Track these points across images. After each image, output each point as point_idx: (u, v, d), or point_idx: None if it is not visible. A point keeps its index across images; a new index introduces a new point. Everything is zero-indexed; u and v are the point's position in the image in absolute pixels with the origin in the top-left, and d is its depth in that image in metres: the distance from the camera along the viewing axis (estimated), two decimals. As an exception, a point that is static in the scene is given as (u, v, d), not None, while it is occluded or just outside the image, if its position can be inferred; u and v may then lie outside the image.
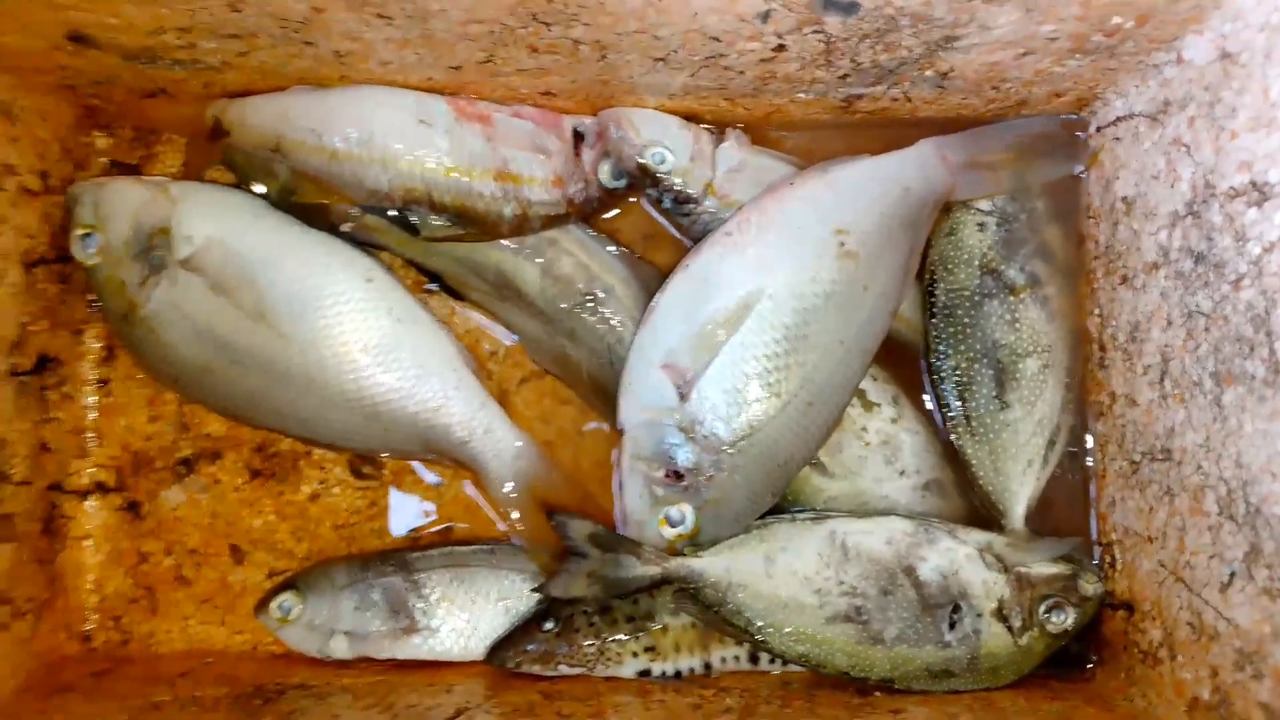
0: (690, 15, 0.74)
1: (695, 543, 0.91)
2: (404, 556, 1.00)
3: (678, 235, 1.01)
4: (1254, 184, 0.70)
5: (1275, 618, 0.68)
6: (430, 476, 1.04)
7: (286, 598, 0.99)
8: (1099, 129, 0.92)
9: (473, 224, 0.94)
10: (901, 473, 0.96)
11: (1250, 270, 0.70)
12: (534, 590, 0.94)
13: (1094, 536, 0.95)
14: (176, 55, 0.85)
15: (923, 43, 0.78)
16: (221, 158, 0.97)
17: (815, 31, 0.76)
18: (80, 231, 0.96)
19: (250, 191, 0.97)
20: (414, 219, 0.94)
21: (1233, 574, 0.73)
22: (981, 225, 0.95)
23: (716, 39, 0.78)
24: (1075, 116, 0.94)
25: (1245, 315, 0.71)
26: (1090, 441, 0.95)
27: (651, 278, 0.98)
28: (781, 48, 0.79)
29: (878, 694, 0.89)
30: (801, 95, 0.91)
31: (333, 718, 0.86)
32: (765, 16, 0.73)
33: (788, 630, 0.90)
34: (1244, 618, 0.72)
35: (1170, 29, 0.76)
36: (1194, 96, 0.77)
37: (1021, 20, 0.74)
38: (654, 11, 0.73)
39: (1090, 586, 0.91)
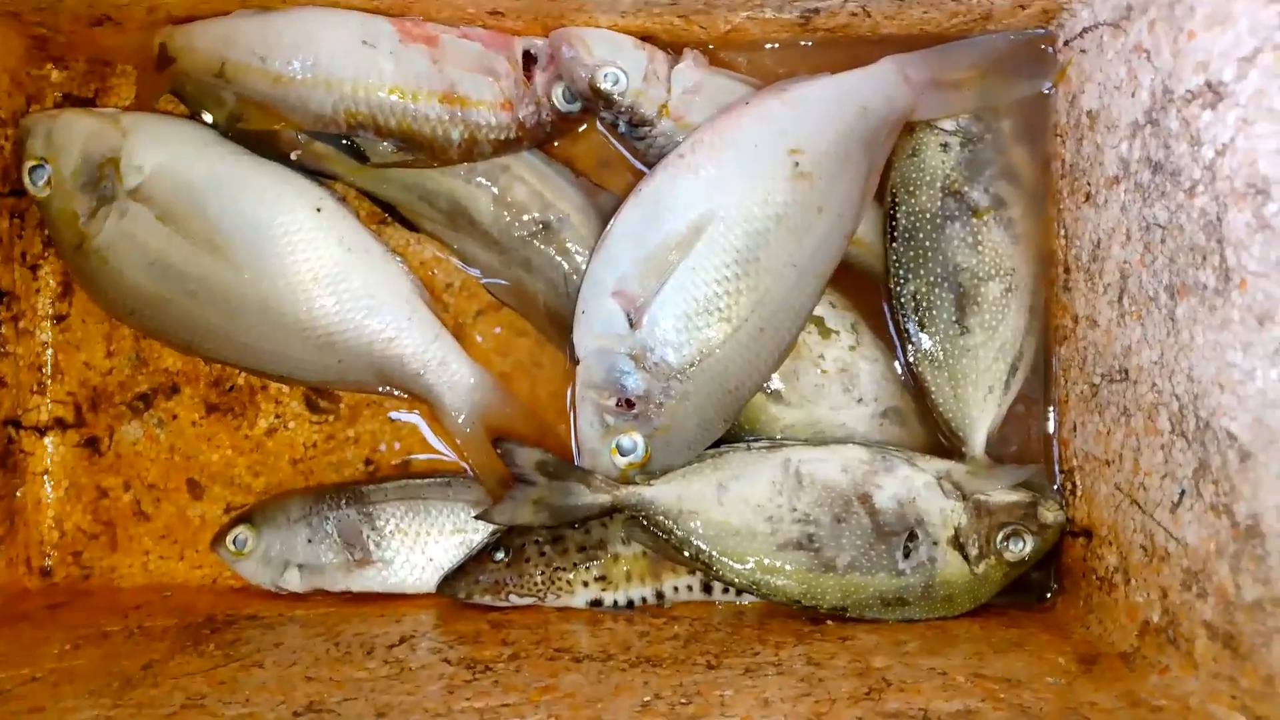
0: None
1: (647, 471, 0.90)
2: (359, 489, 0.99)
3: (634, 161, 0.99)
4: (1209, 84, 0.67)
5: (1220, 534, 0.66)
6: (389, 412, 1.03)
7: (241, 531, 0.98)
8: (1066, 42, 0.89)
9: (420, 148, 0.92)
10: (859, 400, 0.94)
11: (1204, 176, 0.68)
12: (477, 516, 0.93)
13: (1056, 465, 0.92)
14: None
15: (871, -54, 0.75)
16: (171, 87, 0.96)
17: (760, -64, 0.73)
18: (31, 163, 0.95)
19: (200, 121, 0.96)
20: (362, 145, 0.92)
21: (1182, 492, 0.71)
22: (945, 145, 0.92)
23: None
24: (1043, 31, 0.91)
25: (1198, 223, 0.68)
26: (1053, 368, 0.93)
27: (608, 205, 0.96)
28: (725, -46, 0.76)
29: (829, 623, 0.88)
30: (758, 12, 0.88)
31: (276, 645, 0.85)
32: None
33: (738, 557, 0.88)
34: (1192, 536, 0.70)
35: (1127, -73, 0.73)
36: (1154, -1, 0.74)
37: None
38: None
39: (1050, 514, 0.89)
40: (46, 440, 1.04)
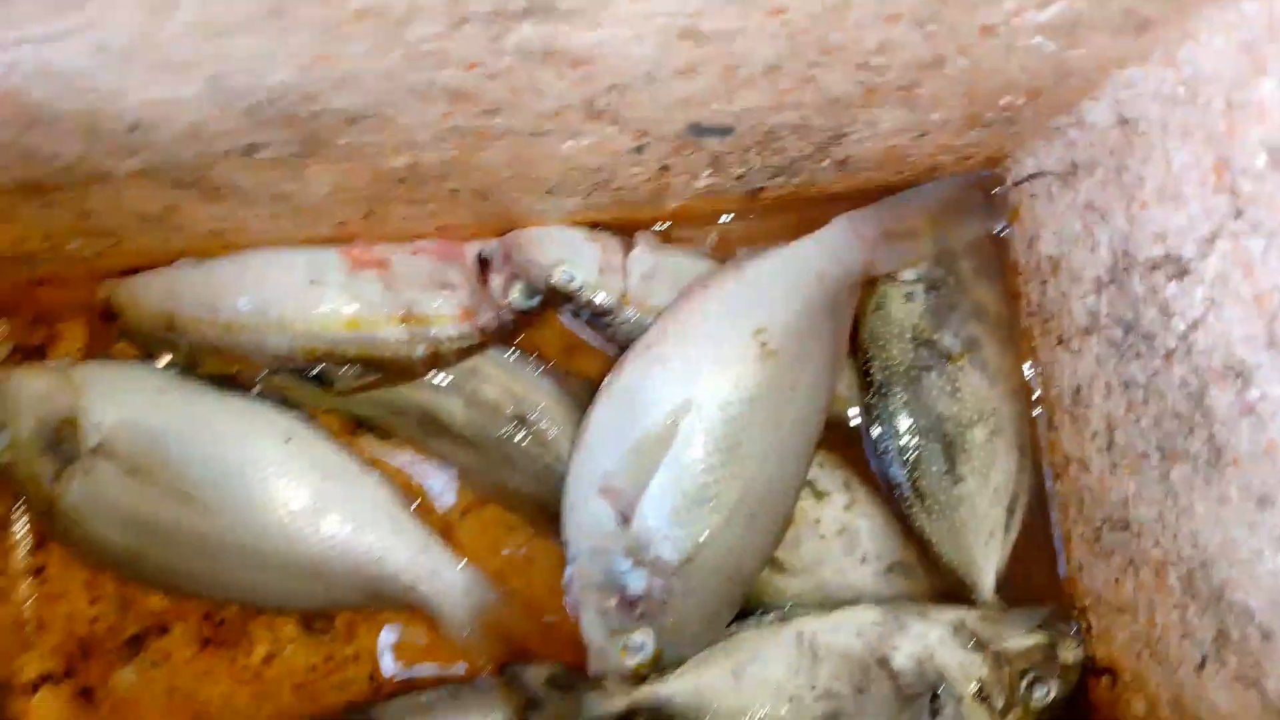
0: (563, 159, 0.70)
1: (658, 666, 0.88)
2: (366, 712, 0.97)
3: (600, 346, 0.97)
4: (1169, 257, 0.67)
5: (1251, 707, 0.65)
6: (387, 628, 1.01)
7: (252, 773, 0.95)
8: (1016, 184, 0.89)
9: (383, 370, 0.91)
10: (863, 559, 0.93)
11: (1179, 346, 0.67)
12: (495, 754, 0.91)
13: (1069, 600, 0.91)
14: (47, 255, 0.82)
15: (811, 144, 0.75)
16: (121, 335, 0.94)
17: (695, 151, 0.73)
18: (-12, 428, 0.93)
19: (154, 365, 0.94)
20: (324, 374, 0.90)
21: (1205, 657, 0.70)
22: (909, 295, 0.92)
23: (598, 170, 0.75)
24: (989, 173, 0.91)
25: (1180, 392, 0.68)
26: (1051, 502, 0.92)
27: (580, 389, 0.95)
28: (666, 168, 0.76)
29: (866, 800, 0.86)
30: (702, 195, 0.87)
31: None
32: (640, 149, 0.70)
33: (765, 746, 0.87)
34: (1223, 702, 0.69)
35: (1065, 97, 0.73)
36: (1100, 161, 0.74)
37: (907, 115, 0.71)
38: (523, 163, 0.69)
39: (1070, 653, 0.87)
40: (37, 698, 1.01)
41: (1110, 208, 0.73)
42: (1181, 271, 0.66)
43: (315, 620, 1.01)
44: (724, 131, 0.69)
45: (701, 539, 0.85)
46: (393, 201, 0.77)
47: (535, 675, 0.87)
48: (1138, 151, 0.68)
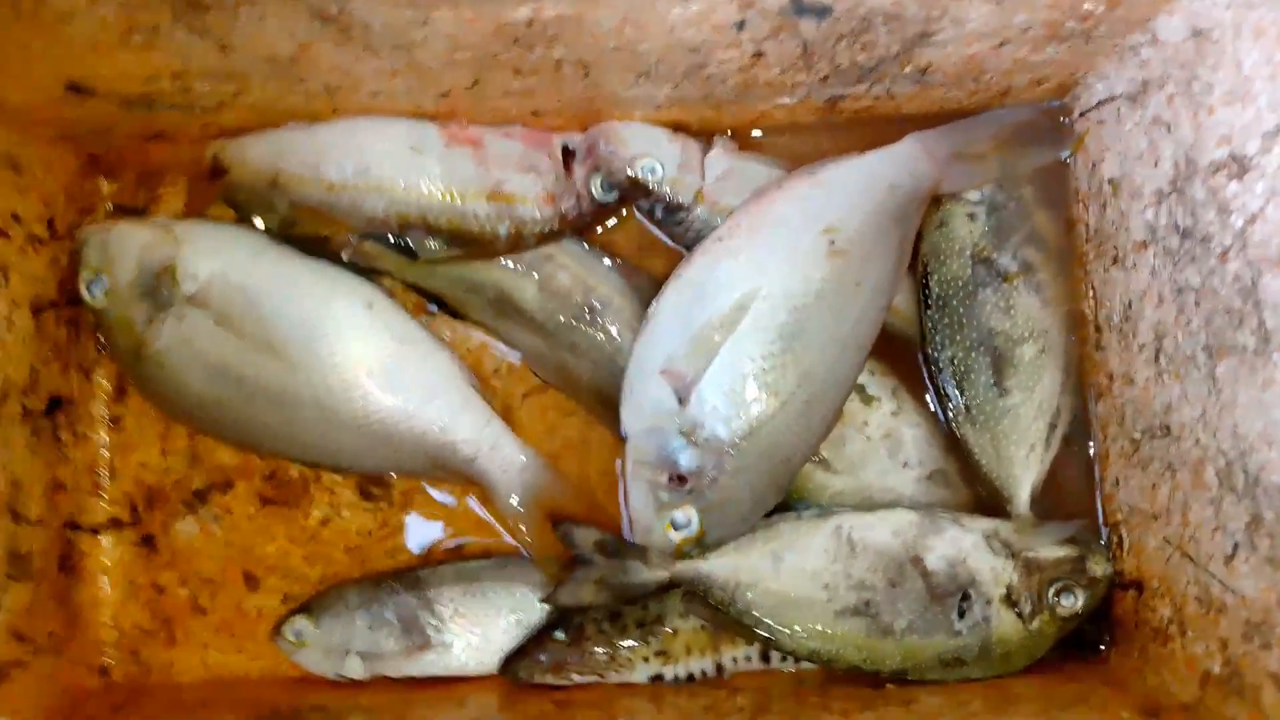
0: (668, 30, 0.75)
1: (701, 545, 0.92)
2: (415, 575, 1.01)
3: (671, 244, 1.02)
4: (1233, 157, 0.71)
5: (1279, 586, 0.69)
6: (440, 495, 1.05)
7: (299, 621, 1.00)
8: (1082, 113, 0.93)
9: (468, 244, 0.95)
10: (905, 464, 0.96)
11: (1235, 243, 0.71)
12: (542, 600, 0.95)
13: (1100, 518, 0.95)
14: (173, 99, 0.87)
15: (898, 40, 0.79)
16: (222, 196, 1.00)
17: (791, 36, 0.77)
18: (88, 275, 0.98)
19: (251, 226, 0.99)
20: (411, 243, 0.95)
21: (1236, 545, 0.73)
22: (971, 215, 0.96)
23: (695, 50, 0.79)
24: (1058, 103, 0.95)
25: (1233, 287, 0.72)
26: (1092, 423, 0.96)
27: (648, 287, 0.99)
28: (760, 54, 0.80)
29: (890, 686, 0.89)
30: (785, 99, 0.92)
31: (348, 733, 0.87)
32: (741, 25, 0.75)
33: (797, 627, 0.90)
34: (1250, 588, 0.72)
35: (1142, 10, 0.77)
36: (1171, 75, 0.78)
37: (994, 12, 0.75)
38: (631, 28, 0.74)
39: (1099, 567, 0.91)
40: (103, 540, 1.06)
41: (1178, 119, 0.77)
42: (1243, 170, 0.70)
43: (373, 487, 1.06)
44: (822, 12, 0.73)
45: (756, 422, 0.89)
46: (499, 69, 0.82)
47: (585, 536, 0.91)
48: (1209, 59, 0.73)
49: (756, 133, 1.01)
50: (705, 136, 0.98)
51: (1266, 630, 0.70)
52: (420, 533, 1.05)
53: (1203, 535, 0.77)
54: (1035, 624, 0.90)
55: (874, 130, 0.97)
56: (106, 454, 1.07)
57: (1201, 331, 0.76)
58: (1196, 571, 0.78)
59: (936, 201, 0.96)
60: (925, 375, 0.98)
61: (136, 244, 0.98)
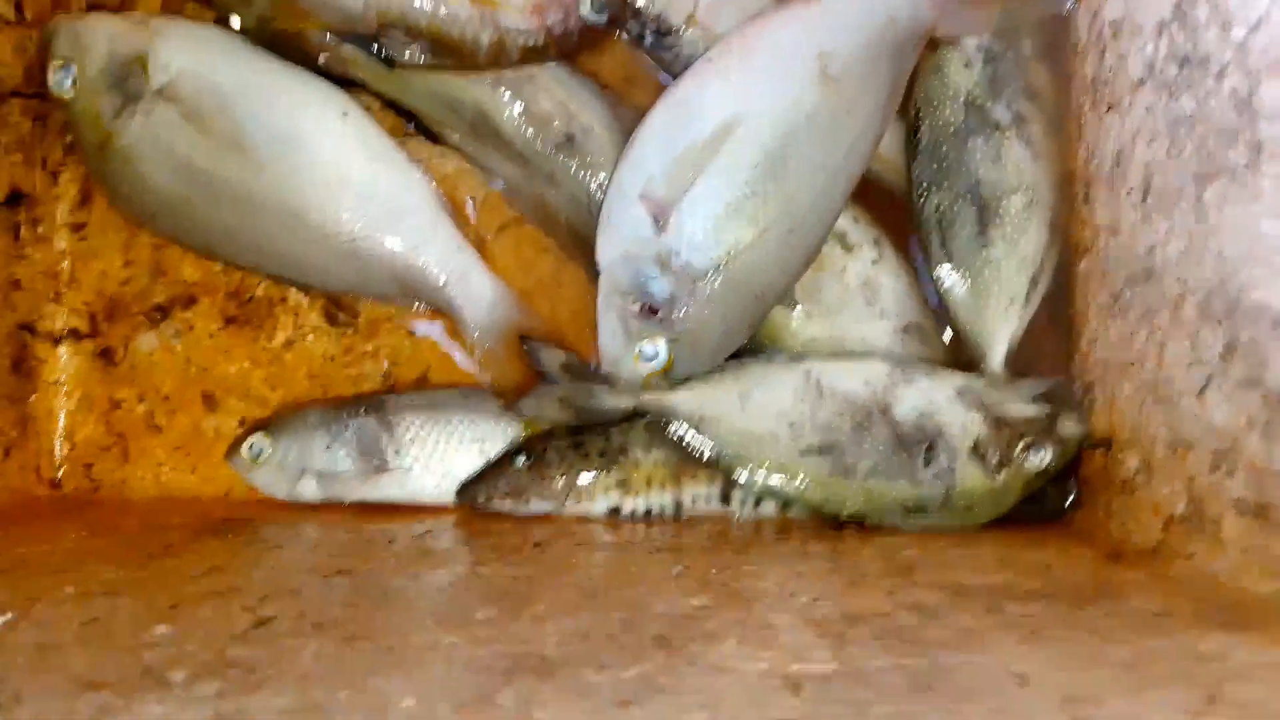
0: None
1: (669, 377, 0.90)
2: (378, 399, 0.99)
3: (660, 76, 0.99)
4: (1240, -32, 0.68)
5: (1249, 408, 0.67)
6: (407, 323, 1.03)
7: (257, 439, 0.98)
8: (1088, -41, 0.90)
9: (449, 52, 0.92)
10: (881, 315, 0.94)
11: (1234, 56, 0.69)
12: (503, 407, 0.93)
13: (1077, 380, 0.93)
14: None
15: None
16: (196, -8, 0.97)
17: None
18: (57, 63, 0.95)
19: (228, 26, 0.96)
20: (390, 48, 0.92)
21: (1210, 376, 0.71)
22: (967, 63, 0.93)
23: None
24: (1065, -49, 0.93)
25: (1229, 103, 0.69)
26: (1075, 284, 0.94)
27: (633, 120, 0.96)
28: None
29: (850, 529, 0.88)
30: (785, -80, 0.89)
31: (296, 536, 0.85)
32: None
33: (760, 462, 0.89)
34: (1220, 416, 0.70)
35: None
36: (1182, -101, 0.76)
37: None
38: None
39: (1070, 427, 0.89)
40: (60, 350, 1.03)
41: (1186, -58, 0.75)
42: (1251, -22, 0.67)
43: (340, 311, 1.03)
44: None
45: (733, 250, 0.87)
46: None
47: (552, 356, 0.89)
48: None
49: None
50: (700, -38, 0.95)
51: (1234, 455, 0.68)
52: (384, 361, 1.03)
53: (1176, 374, 0.76)
54: (1001, 477, 0.88)
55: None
56: (67, 262, 1.04)
57: (1193, 159, 0.74)
58: (1169, 412, 0.77)
59: (933, 46, 0.94)
60: (910, 226, 0.95)
61: (109, 33, 0.94)
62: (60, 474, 1.03)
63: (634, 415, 0.90)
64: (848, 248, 0.95)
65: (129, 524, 0.91)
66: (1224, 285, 0.70)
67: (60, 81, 0.95)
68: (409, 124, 1.00)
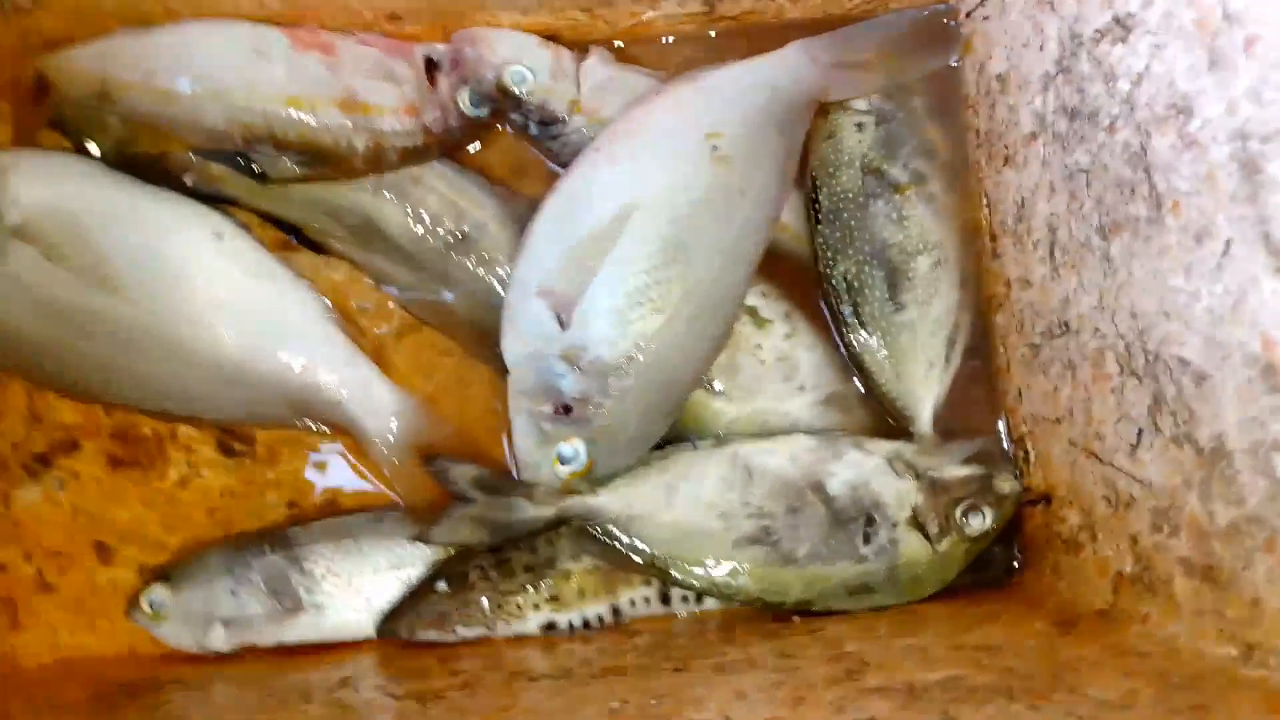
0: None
1: (591, 478, 0.86)
2: (283, 533, 0.93)
3: (550, 165, 0.96)
4: (1116, 20, 0.67)
5: (1185, 465, 0.65)
6: (309, 449, 0.97)
7: (157, 591, 0.91)
8: (968, 13, 0.90)
9: (323, 161, 0.88)
10: (801, 388, 0.91)
11: (1122, 110, 0.67)
12: (414, 538, 0.87)
13: (1005, 434, 0.91)
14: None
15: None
16: (50, 116, 0.90)
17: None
18: (-98, 205, 0.88)
19: (85, 153, 0.91)
20: (260, 162, 0.87)
21: (1139, 431, 0.69)
22: (860, 125, 0.92)
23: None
24: (945, 5, 0.92)
25: (1122, 158, 0.68)
26: (993, 337, 0.92)
27: (525, 211, 0.92)
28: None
29: (796, 619, 0.84)
30: (664, 3, 0.87)
31: (203, 704, 0.78)
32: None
33: (695, 560, 0.84)
34: (1155, 474, 0.68)
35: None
36: (1052, -48, 0.75)
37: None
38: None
39: (1006, 484, 0.87)
40: (-69, 513, 0.95)
41: (1060, -5, 0.74)
42: (1126, 30, 0.66)
43: (235, 442, 0.97)
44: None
45: (640, 341, 0.83)
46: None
47: (462, 472, 0.84)
48: (1089, -76, 0.69)
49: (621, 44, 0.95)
50: (579, 47, 0.93)
51: (1174, 514, 0.66)
52: (288, 490, 0.97)
53: (1106, 430, 0.74)
54: (943, 545, 0.85)
55: (757, 40, 0.92)
56: (-67, 416, 0.96)
57: (1094, 213, 0.72)
58: (1102, 470, 0.75)
59: (824, 113, 0.92)
60: (820, 295, 0.93)
61: (-47, 173, 0.88)
62: (-58, 649, 0.94)
63: (558, 523, 0.85)
64: (760, 323, 0.92)
65: (14, 707, 0.83)
66: (1141, 339, 0.68)
67: (-96, 227, 0.88)
68: (291, 237, 0.94)
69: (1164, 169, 0.64)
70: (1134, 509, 0.71)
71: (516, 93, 0.88)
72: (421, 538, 0.86)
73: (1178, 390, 0.65)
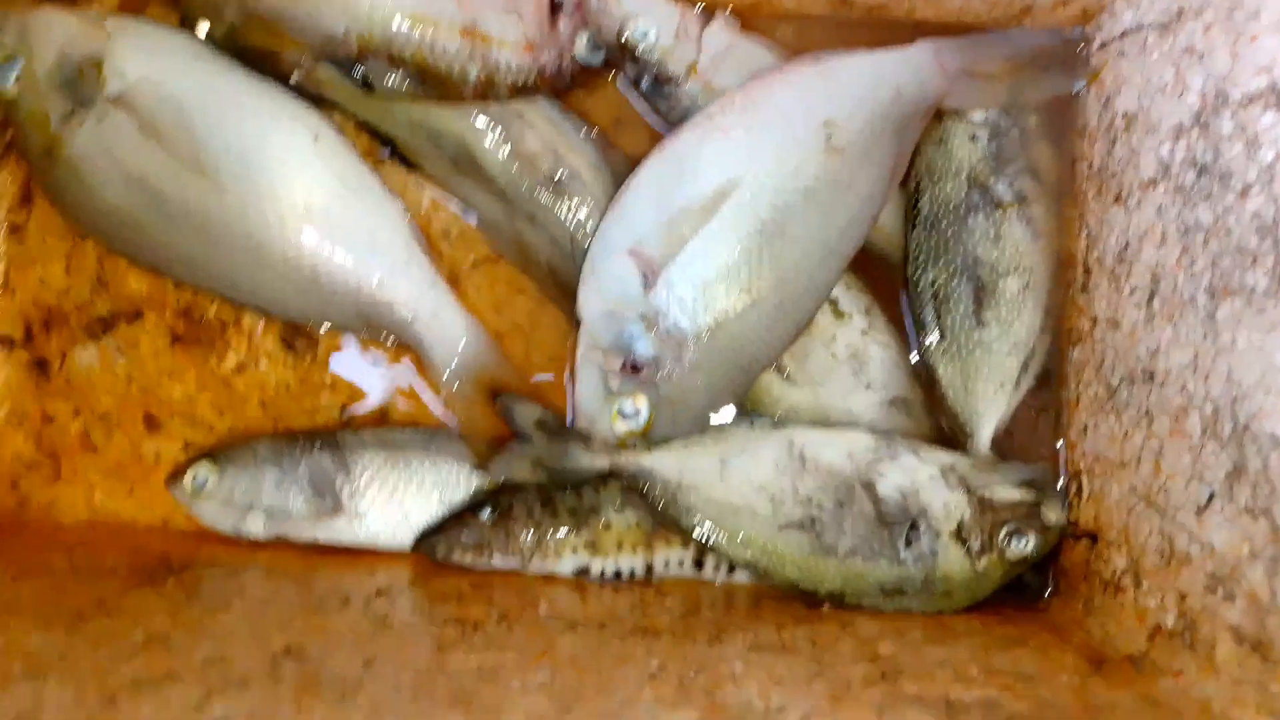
0: None
1: (646, 439, 0.86)
2: (334, 436, 0.94)
3: (653, 122, 0.95)
4: (1271, 87, 0.66)
5: (1255, 538, 0.65)
6: (368, 356, 0.97)
7: (202, 468, 0.92)
8: (1103, 44, 0.88)
9: (433, 84, 0.87)
10: (868, 386, 0.92)
11: (1261, 177, 0.67)
12: (475, 467, 0.88)
13: (1062, 465, 0.91)
14: None
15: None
16: (161, -4, 0.89)
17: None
18: (1, 57, 0.87)
19: (193, 32, 0.89)
20: (370, 74, 0.87)
21: (1212, 495, 0.70)
22: (973, 137, 0.91)
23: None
24: (1080, 30, 0.90)
25: (1250, 225, 0.68)
26: (1067, 369, 0.92)
27: (621, 164, 0.92)
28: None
29: (826, 608, 0.85)
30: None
31: (241, 590, 0.79)
32: None
33: (738, 535, 0.85)
34: (1220, 540, 0.69)
35: (1195, -76, 0.72)
36: (1211, 2, 0.73)
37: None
38: None
39: (1053, 514, 0.87)
40: (-11, 358, 0.96)
41: (1213, 48, 0.73)
42: (1282, 99, 0.65)
43: (297, 338, 0.97)
44: None
45: (723, 318, 0.83)
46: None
47: (527, 412, 0.85)
48: (1261, -19, 0.68)
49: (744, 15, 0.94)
50: (706, 10, 0.91)
51: (1233, 582, 0.67)
52: (342, 394, 0.97)
53: (1175, 485, 0.74)
54: (982, 563, 0.86)
55: (884, 33, 0.91)
56: (3, 265, 0.96)
57: (1206, 273, 0.72)
58: (1163, 522, 0.75)
59: (938, 117, 0.91)
60: (903, 297, 0.93)
61: (61, 31, 0.87)
62: (-18, 492, 0.95)
63: (608, 476, 0.86)
64: (838, 315, 0.92)
65: (57, 561, 0.84)
66: (1233, 408, 0.68)
67: (4, 76, 0.87)
68: (384, 149, 0.94)
69: (1295, 245, 0.63)
70: (1189, 567, 0.72)
71: (636, 49, 0.87)
72: (482, 469, 0.86)
73: (1263, 465, 0.65)
